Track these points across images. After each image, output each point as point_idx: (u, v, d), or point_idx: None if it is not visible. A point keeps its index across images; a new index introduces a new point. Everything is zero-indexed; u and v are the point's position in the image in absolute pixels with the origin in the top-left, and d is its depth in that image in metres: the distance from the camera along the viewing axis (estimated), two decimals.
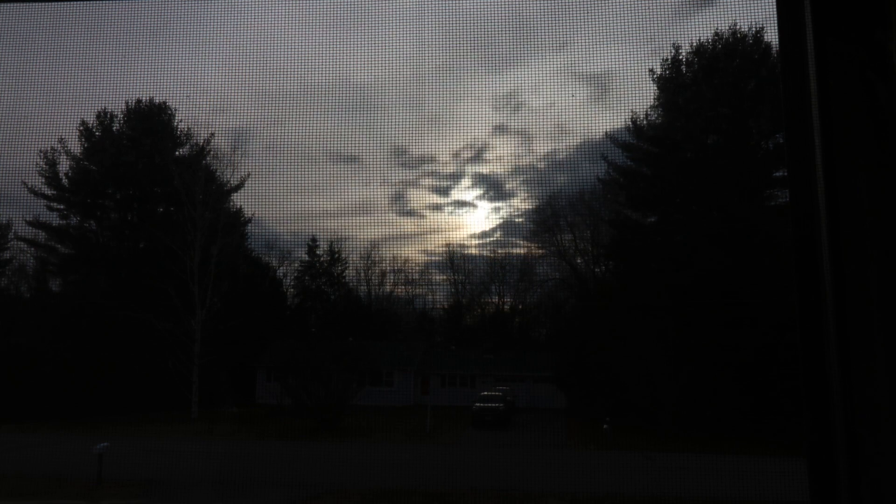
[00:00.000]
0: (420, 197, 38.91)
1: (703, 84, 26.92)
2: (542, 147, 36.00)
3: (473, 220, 41.26)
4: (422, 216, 39.24)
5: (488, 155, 37.21)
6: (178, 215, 30.91)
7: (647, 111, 28.35)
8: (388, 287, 41.67)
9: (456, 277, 40.72)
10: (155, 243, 29.70)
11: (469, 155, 37.12)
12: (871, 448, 1.19)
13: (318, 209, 37.24)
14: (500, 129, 35.40)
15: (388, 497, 14.96)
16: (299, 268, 37.54)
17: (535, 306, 40.18)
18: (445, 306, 41.53)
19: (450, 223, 39.88)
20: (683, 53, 27.44)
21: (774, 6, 1.40)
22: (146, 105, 32.74)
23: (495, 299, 41.06)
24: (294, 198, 34.01)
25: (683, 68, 27.70)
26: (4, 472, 16.95)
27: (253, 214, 33.10)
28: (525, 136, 34.91)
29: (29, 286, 34.40)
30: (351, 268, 38.62)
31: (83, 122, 31.98)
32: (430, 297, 41.83)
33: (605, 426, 22.72)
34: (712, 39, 26.94)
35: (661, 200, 28.30)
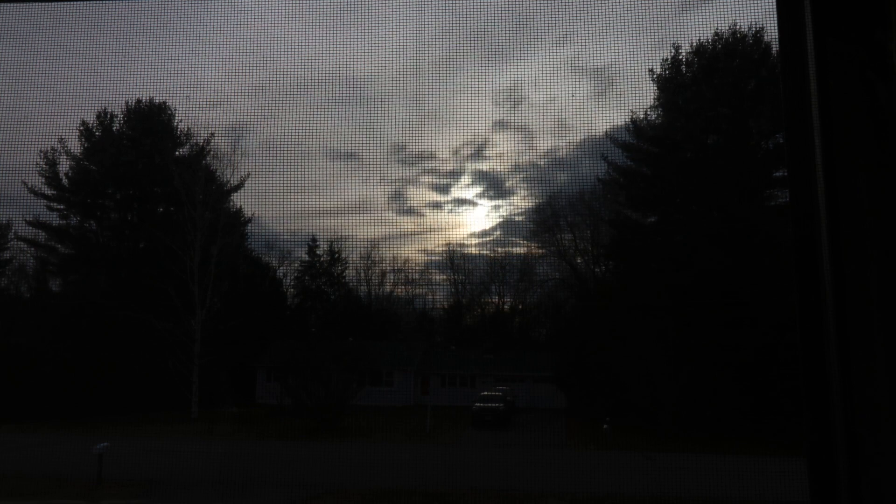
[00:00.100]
0: (419, 195, 38.82)
1: (703, 84, 26.92)
2: (543, 144, 35.89)
3: (473, 218, 41.24)
4: (421, 214, 39.16)
5: (488, 152, 37.16)
6: (178, 215, 30.92)
7: (647, 111, 28.39)
8: (388, 287, 41.71)
9: (456, 277, 40.75)
10: (155, 243, 29.71)
11: (469, 152, 37.08)
12: (871, 448, 1.19)
13: (318, 208, 37.28)
14: (500, 125, 35.26)
15: (388, 497, 14.96)
16: (299, 268, 37.58)
17: (535, 306, 40.20)
18: (445, 306, 41.56)
19: (449, 221, 39.89)
20: (683, 53, 27.48)
21: (774, 6, 1.40)
22: (146, 105, 32.76)
23: (495, 299, 41.10)
24: (293, 197, 33.96)
25: (683, 68, 27.71)
26: (4, 472, 16.95)
27: (253, 214, 33.15)
28: (526, 132, 34.75)
29: (29, 286, 34.43)
30: (351, 268, 38.65)
31: (83, 122, 32.03)
32: (430, 297, 41.86)
33: (605, 426, 22.71)
34: (712, 39, 26.97)
35: (661, 200, 28.31)
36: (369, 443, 23.12)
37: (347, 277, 38.44)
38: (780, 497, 14.12)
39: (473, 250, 41.41)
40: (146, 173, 32.05)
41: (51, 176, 32.06)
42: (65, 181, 32.56)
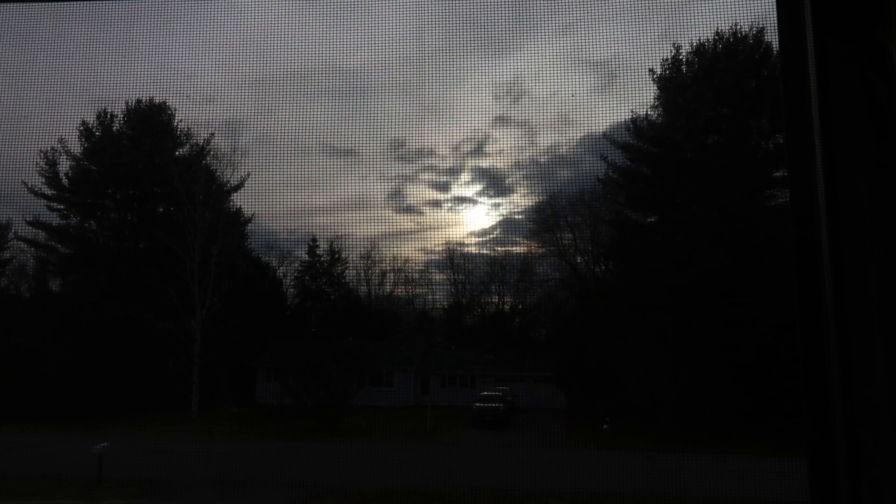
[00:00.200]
0: (418, 193, 38.40)
1: (704, 84, 26.93)
2: (543, 140, 35.54)
3: (473, 216, 41.00)
4: (420, 213, 38.96)
5: (488, 148, 36.99)
6: (178, 215, 30.92)
7: (647, 111, 28.40)
8: (388, 287, 41.71)
9: (456, 277, 40.75)
10: (155, 243, 29.72)
11: (469, 148, 36.94)
12: (871, 448, 1.19)
13: (317, 206, 37.07)
14: (500, 121, 34.92)
15: (388, 497, 14.96)
16: (299, 268, 37.60)
17: (535, 306, 40.20)
18: (445, 306, 41.56)
19: (449, 220, 39.73)
20: (684, 53, 27.48)
21: (774, 6, 1.40)
22: (146, 105, 32.77)
23: (495, 299, 41.10)
24: (292, 195, 33.93)
25: (684, 68, 27.71)
26: (4, 472, 16.95)
27: (253, 214, 33.16)
28: (526, 127, 34.41)
29: (29, 286, 34.44)
30: (351, 268, 38.63)
31: (83, 122, 32.04)
32: (430, 296, 41.87)
33: (605, 426, 22.72)
34: (713, 39, 26.98)
35: (661, 200, 28.31)
36: (369, 443, 23.13)
37: (347, 277, 38.47)
38: (780, 497, 14.12)
39: (473, 249, 41.36)
40: (146, 173, 32.07)
41: (51, 176, 32.08)
42: (65, 181, 32.58)
